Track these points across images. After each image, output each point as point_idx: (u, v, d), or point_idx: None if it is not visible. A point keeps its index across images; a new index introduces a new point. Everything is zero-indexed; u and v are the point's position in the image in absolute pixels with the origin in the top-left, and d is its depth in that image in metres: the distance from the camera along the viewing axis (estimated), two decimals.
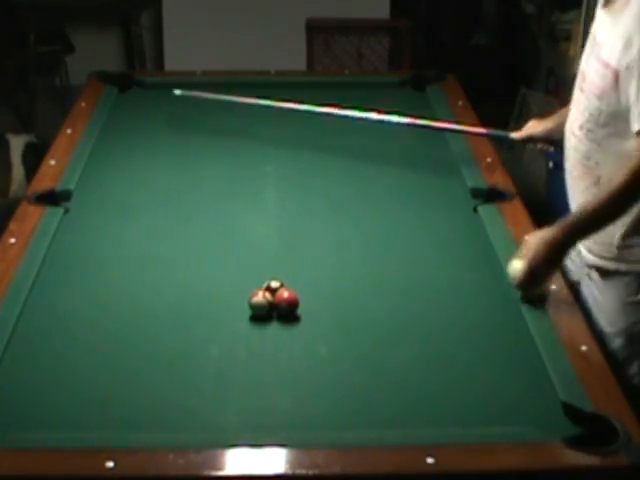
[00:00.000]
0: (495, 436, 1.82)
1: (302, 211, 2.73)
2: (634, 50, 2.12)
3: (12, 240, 2.44)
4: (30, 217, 2.56)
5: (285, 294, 2.18)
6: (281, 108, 3.12)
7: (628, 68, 2.13)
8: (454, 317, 2.23)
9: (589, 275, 2.42)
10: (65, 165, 2.86)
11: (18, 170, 4.36)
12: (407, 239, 2.58)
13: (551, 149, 2.83)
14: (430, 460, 1.72)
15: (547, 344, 2.06)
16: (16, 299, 2.19)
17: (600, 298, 2.38)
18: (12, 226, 2.51)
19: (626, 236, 2.29)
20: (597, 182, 2.29)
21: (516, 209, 2.66)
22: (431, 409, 1.92)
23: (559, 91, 4.80)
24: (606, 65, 2.21)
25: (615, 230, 2.29)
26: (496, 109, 4.56)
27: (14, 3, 5.43)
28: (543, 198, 4.27)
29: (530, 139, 2.82)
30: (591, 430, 1.80)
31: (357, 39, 5.41)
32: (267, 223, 2.69)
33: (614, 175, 2.16)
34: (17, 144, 4.45)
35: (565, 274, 2.42)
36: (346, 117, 3.04)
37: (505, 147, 2.94)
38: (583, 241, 2.34)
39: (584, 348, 2.05)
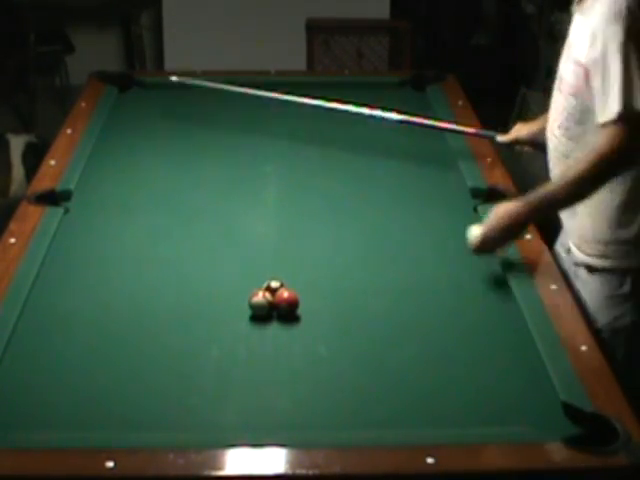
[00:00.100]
0: (495, 436, 1.82)
1: (302, 211, 2.73)
2: (598, 45, 2.17)
3: (12, 240, 2.44)
4: (30, 217, 2.56)
5: (285, 294, 2.18)
6: (273, 99, 3.15)
7: (594, 63, 2.19)
8: (454, 317, 2.23)
9: (575, 272, 2.46)
10: (65, 165, 2.86)
11: (18, 170, 4.36)
12: (407, 239, 2.58)
13: (532, 151, 2.86)
14: (430, 460, 1.72)
15: (547, 344, 2.06)
16: (16, 299, 2.19)
17: (584, 294, 2.41)
18: (12, 226, 2.51)
19: (615, 230, 2.35)
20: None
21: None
22: (431, 409, 1.92)
23: None
24: (578, 63, 2.27)
25: (604, 228, 2.37)
26: (496, 109, 4.56)
27: (14, 3, 5.43)
28: None
29: (516, 142, 2.85)
30: (591, 430, 1.80)
31: (357, 39, 5.41)
32: (267, 223, 2.69)
33: (576, 163, 2.25)
34: (17, 144, 4.45)
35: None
36: (337, 110, 3.06)
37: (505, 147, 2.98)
38: (574, 240, 2.44)
39: (584, 348, 2.05)
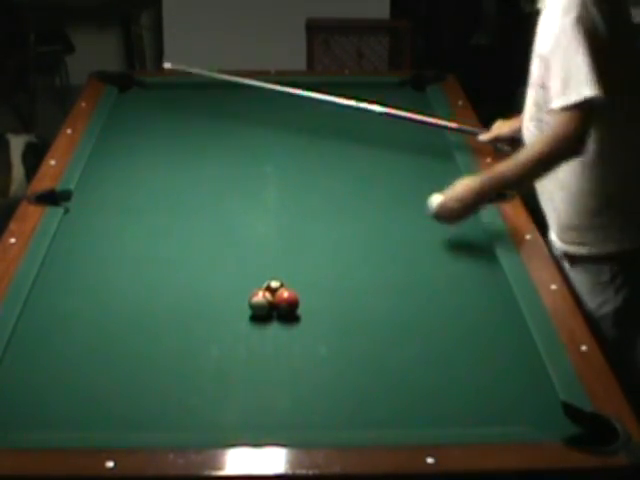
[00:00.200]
0: (495, 436, 1.82)
1: (302, 211, 2.73)
2: (555, 35, 2.28)
3: (12, 240, 2.44)
4: (30, 217, 2.57)
5: (285, 294, 2.18)
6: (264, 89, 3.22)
7: (552, 52, 2.30)
8: (454, 317, 2.23)
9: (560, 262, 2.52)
10: (65, 165, 2.86)
11: (18, 170, 4.37)
12: (407, 239, 2.58)
13: (512, 152, 2.87)
14: (430, 460, 1.72)
15: (547, 344, 2.06)
16: (16, 299, 2.20)
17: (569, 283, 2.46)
18: (12, 226, 2.51)
19: (589, 217, 2.44)
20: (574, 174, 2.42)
21: (516, 209, 2.66)
22: (431, 409, 1.92)
23: None
24: (540, 56, 2.38)
25: (579, 215, 2.46)
26: (496, 109, 4.56)
27: (14, 3, 5.43)
28: None
29: (497, 139, 2.89)
30: (591, 430, 1.80)
31: (357, 39, 5.41)
32: (267, 223, 2.69)
33: (532, 144, 2.39)
34: (17, 144, 4.45)
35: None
36: (322, 101, 3.13)
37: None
38: (554, 228, 2.54)
39: (584, 348, 2.05)
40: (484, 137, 2.93)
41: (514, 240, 2.50)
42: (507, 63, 5.64)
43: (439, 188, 2.55)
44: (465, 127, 3.02)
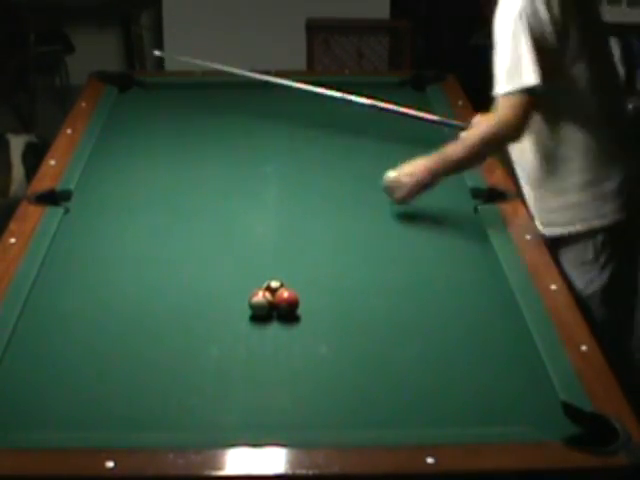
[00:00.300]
0: (495, 436, 1.82)
1: (302, 211, 2.73)
2: (499, 28, 2.47)
3: (12, 240, 2.44)
4: (30, 217, 2.56)
5: (285, 294, 2.18)
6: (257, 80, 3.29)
7: (497, 42, 2.48)
8: (454, 317, 2.23)
9: None
10: (65, 165, 2.86)
11: (18, 170, 4.37)
12: (407, 239, 2.58)
13: None
14: (430, 460, 1.72)
15: (547, 344, 2.06)
16: (16, 299, 2.19)
17: None
18: (12, 226, 2.51)
19: (555, 198, 2.59)
20: (522, 154, 2.64)
21: (516, 209, 2.66)
22: (431, 409, 1.92)
23: None
24: (495, 51, 2.53)
25: (545, 196, 2.61)
26: None
27: (13, 3, 5.43)
28: None
29: None
30: (591, 430, 1.80)
31: (357, 39, 5.41)
32: (267, 223, 2.69)
33: (476, 126, 2.58)
34: (17, 144, 4.45)
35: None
36: (311, 93, 3.20)
37: None
38: (537, 216, 2.64)
39: (584, 348, 2.04)
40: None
41: (514, 240, 2.50)
42: None
43: (440, 187, 2.56)
44: (450, 121, 3.03)
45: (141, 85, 3.57)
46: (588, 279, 2.58)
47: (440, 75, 3.59)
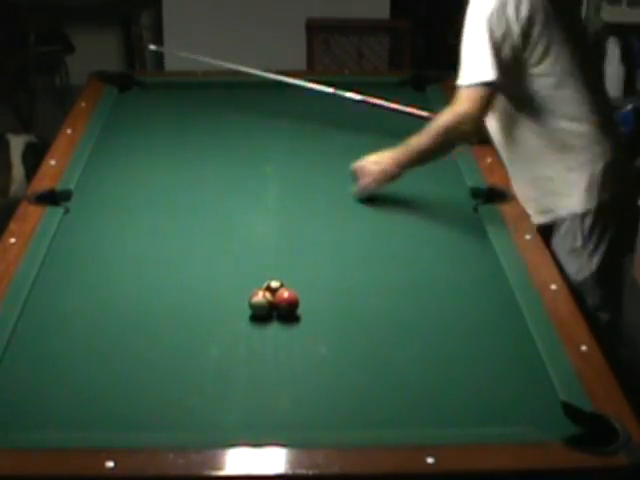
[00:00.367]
0: (495, 436, 1.82)
1: (302, 211, 2.73)
2: (466, 23, 2.57)
3: (12, 240, 2.44)
4: (30, 217, 2.56)
5: (285, 294, 2.18)
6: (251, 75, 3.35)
7: (465, 37, 2.58)
8: (454, 317, 2.23)
9: None
10: (65, 165, 2.86)
11: (18, 170, 4.36)
12: (407, 239, 2.58)
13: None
14: (430, 460, 1.72)
15: (547, 344, 2.06)
16: (16, 299, 2.20)
17: None
18: (12, 226, 2.51)
19: (533, 186, 2.66)
20: (501, 148, 2.72)
21: (516, 209, 2.66)
22: (431, 409, 1.92)
23: None
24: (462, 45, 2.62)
25: (524, 186, 2.68)
26: None
27: (13, 3, 5.43)
28: None
29: None
30: (591, 430, 1.80)
31: (357, 39, 5.42)
32: (267, 223, 2.69)
33: (437, 117, 2.64)
34: (17, 144, 4.45)
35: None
36: (301, 87, 3.27)
37: None
38: (529, 206, 2.66)
39: (584, 348, 2.04)
40: None
41: (514, 240, 2.50)
42: None
43: (440, 187, 2.56)
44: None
45: (141, 85, 3.57)
46: (578, 266, 2.63)
47: (440, 75, 3.58)
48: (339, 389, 1.98)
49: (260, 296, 2.17)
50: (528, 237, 2.51)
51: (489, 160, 2.92)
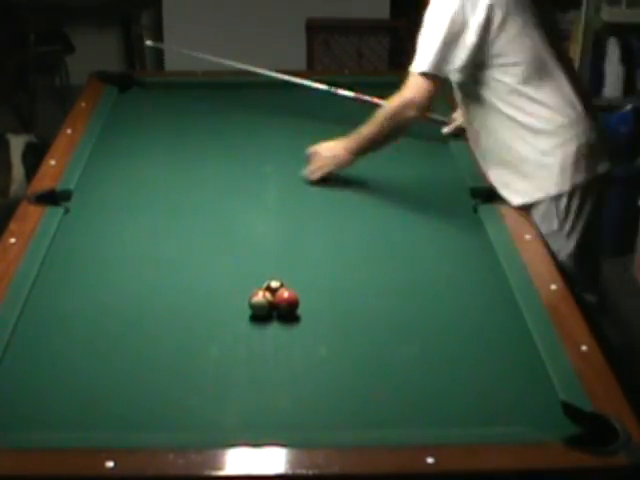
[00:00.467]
0: (495, 436, 1.82)
1: (302, 211, 2.73)
2: (430, 13, 2.64)
3: (12, 240, 2.44)
4: (30, 217, 2.56)
5: (285, 294, 2.18)
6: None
7: (424, 26, 2.66)
8: (454, 317, 2.23)
9: None
10: (65, 165, 2.86)
11: (18, 170, 4.36)
12: (407, 239, 2.58)
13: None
14: (430, 460, 1.72)
15: (547, 343, 2.06)
16: (16, 299, 2.20)
17: None
18: (12, 226, 2.51)
19: (500, 169, 2.69)
20: (477, 140, 2.77)
21: (515, 209, 2.66)
22: (431, 409, 1.92)
23: None
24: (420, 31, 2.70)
25: (495, 170, 2.71)
26: None
27: (13, 3, 5.43)
28: None
29: (460, 131, 2.99)
30: (591, 430, 1.80)
31: (357, 39, 5.41)
32: (267, 223, 2.69)
33: (385, 105, 2.72)
34: (17, 144, 4.44)
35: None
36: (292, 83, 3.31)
37: None
38: (505, 191, 2.69)
39: (584, 348, 2.05)
40: (447, 130, 3.07)
41: (514, 240, 2.50)
42: None
43: (440, 187, 2.56)
44: (435, 116, 3.06)
45: (141, 85, 3.57)
46: (556, 248, 2.63)
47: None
48: (339, 389, 1.98)
49: (260, 296, 2.17)
50: (528, 237, 2.52)
51: None
